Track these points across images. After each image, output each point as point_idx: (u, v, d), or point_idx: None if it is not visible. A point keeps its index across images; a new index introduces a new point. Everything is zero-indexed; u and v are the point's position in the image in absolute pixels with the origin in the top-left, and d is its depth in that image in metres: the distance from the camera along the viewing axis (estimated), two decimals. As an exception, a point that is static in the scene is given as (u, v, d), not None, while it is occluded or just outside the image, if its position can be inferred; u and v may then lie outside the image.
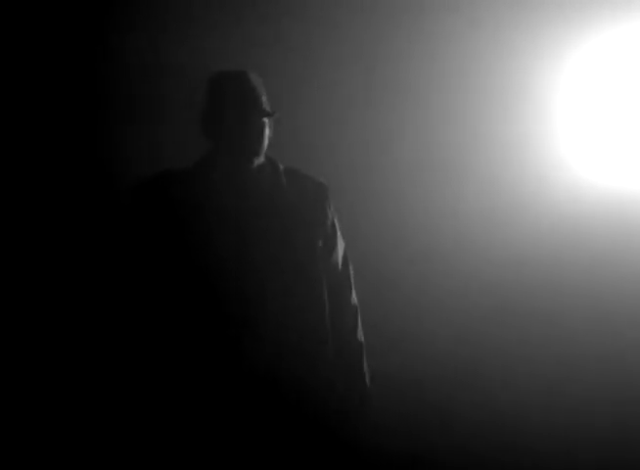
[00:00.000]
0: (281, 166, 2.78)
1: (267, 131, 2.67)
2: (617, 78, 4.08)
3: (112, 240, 2.87)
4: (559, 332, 4.18)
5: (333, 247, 2.82)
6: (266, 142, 2.68)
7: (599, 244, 4.16)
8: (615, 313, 4.14)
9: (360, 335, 2.82)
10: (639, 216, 4.17)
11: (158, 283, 2.66)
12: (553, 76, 4.16)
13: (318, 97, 4.06)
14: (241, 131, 2.62)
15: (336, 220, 2.85)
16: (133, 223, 2.71)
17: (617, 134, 4.11)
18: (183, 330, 2.63)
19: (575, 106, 4.14)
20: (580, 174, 4.17)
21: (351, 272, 2.87)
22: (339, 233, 2.86)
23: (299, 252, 2.66)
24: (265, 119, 2.65)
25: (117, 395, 2.82)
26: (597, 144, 4.14)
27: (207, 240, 2.61)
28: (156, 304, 2.66)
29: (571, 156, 4.18)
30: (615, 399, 4.10)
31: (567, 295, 4.15)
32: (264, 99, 2.67)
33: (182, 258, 2.63)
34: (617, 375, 4.12)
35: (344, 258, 2.88)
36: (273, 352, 2.60)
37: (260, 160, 2.71)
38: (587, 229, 4.15)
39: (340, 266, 2.84)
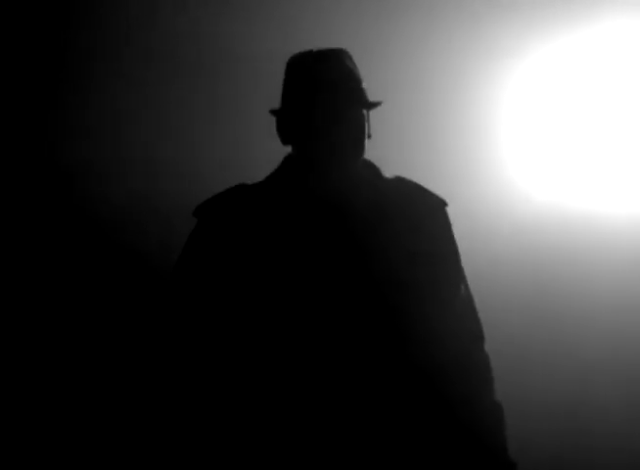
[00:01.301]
0: (385, 176, 2.06)
1: (367, 129, 2.01)
2: (562, 91, 3.92)
3: (164, 278, 2.14)
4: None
5: (455, 294, 2.03)
6: (366, 144, 2.01)
7: (542, 262, 4.01)
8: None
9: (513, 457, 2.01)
10: (584, 233, 4.00)
11: (217, 336, 2.00)
12: (496, 91, 3.91)
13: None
14: (333, 131, 1.94)
15: (459, 257, 2.09)
16: (191, 256, 2.04)
17: (562, 148, 3.93)
18: (245, 398, 1.98)
19: (519, 120, 3.95)
20: (524, 189, 3.98)
21: (484, 336, 2.07)
22: (464, 276, 2.08)
23: (412, 303, 1.93)
24: (365, 112, 1.99)
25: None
26: (542, 159, 3.96)
27: (283, 282, 1.92)
28: (211, 362, 2.00)
29: (515, 172, 3.95)
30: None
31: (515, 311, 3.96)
32: (364, 85, 2.01)
33: (249, 305, 1.97)
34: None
35: (472, 311, 2.07)
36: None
37: (358, 169, 2.02)
38: (529, 245, 4.00)
39: (467, 328, 2.03)
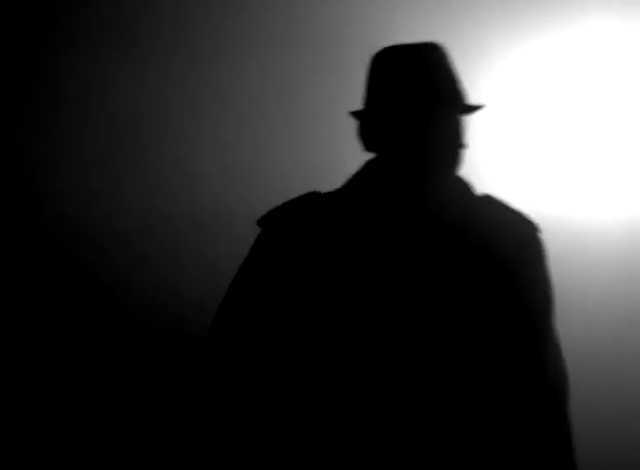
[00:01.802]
0: (476, 195, 1.76)
1: (464, 135, 1.73)
2: (539, 94, 3.82)
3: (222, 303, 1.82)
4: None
5: (541, 346, 1.70)
6: (463, 153, 1.72)
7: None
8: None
9: None
10: (562, 239, 3.92)
11: (278, 358, 1.73)
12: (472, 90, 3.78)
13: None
14: (426, 139, 1.67)
15: (552, 302, 1.74)
16: (256, 269, 1.75)
17: (539, 153, 3.83)
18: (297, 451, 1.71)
19: (495, 123, 3.82)
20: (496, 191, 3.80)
21: (569, 395, 1.74)
22: (554, 325, 1.74)
23: (486, 353, 1.64)
24: (461, 117, 1.72)
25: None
26: (517, 163, 3.84)
27: (353, 315, 1.64)
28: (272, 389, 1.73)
29: (491, 179, 3.80)
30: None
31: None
32: (460, 86, 1.74)
33: (316, 330, 1.70)
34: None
35: (559, 367, 1.74)
36: None
37: (449, 183, 1.72)
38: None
39: (552, 386, 1.70)
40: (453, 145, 1.69)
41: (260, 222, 1.76)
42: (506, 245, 1.69)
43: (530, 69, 3.78)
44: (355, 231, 1.70)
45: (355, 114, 1.76)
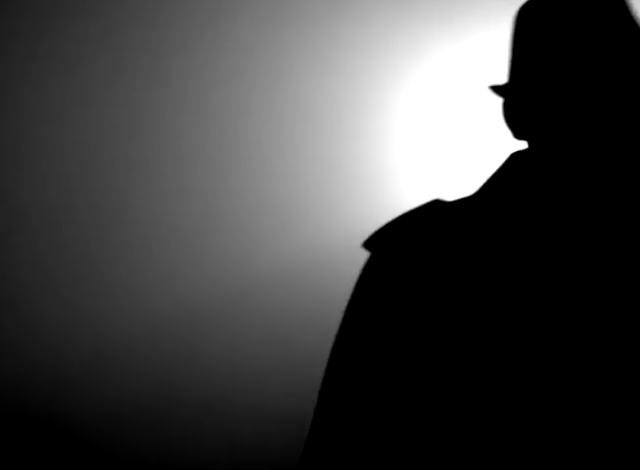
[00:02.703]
0: None
1: None
2: (459, 95, 3.53)
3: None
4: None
5: None
6: None
7: None
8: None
9: None
10: None
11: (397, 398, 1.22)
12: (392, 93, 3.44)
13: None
14: (599, 122, 1.18)
15: None
16: (369, 325, 1.22)
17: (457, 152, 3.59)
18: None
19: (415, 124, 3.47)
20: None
21: None
22: None
23: None
24: None
25: None
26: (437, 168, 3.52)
27: (498, 338, 1.19)
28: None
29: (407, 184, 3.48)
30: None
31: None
32: None
33: (445, 367, 1.21)
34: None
35: None
36: None
37: (626, 176, 1.22)
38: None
39: None
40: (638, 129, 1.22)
41: (370, 244, 1.25)
42: None
43: (451, 71, 3.50)
44: (501, 243, 1.22)
45: (499, 89, 1.28)
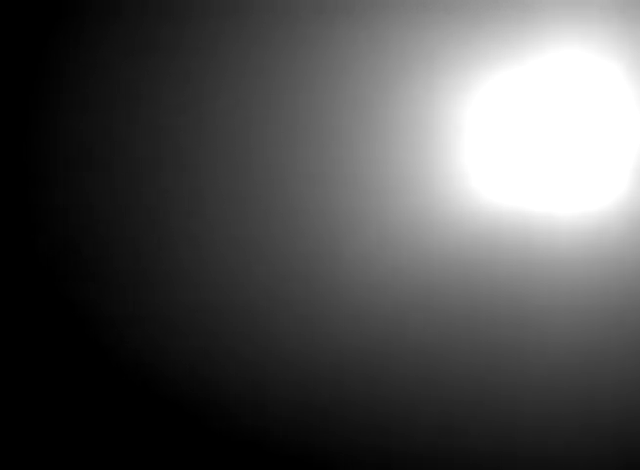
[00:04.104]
0: None
1: None
2: (527, 104, 4.35)
3: None
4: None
5: None
6: None
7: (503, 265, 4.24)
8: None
9: None
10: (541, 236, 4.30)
11: None
12: (463, 93, 4.23)
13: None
14: None
15: None
16: None
17: (520, 157, 4.36)
18: None
19: (485, 126, 4.32)
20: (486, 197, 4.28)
21: None
22: None
23: None
24: None
25: None
26: (501, 168, 4.32)
27: None
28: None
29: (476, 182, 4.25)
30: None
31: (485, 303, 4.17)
32: None
33: None
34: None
35: None
36: None
37: None
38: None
39: None
40: None
41: None
42: None
43: (513, 87, 4.32)
44: None
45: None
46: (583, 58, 4.31)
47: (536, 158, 4.32)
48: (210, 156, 4.00)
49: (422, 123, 4.20)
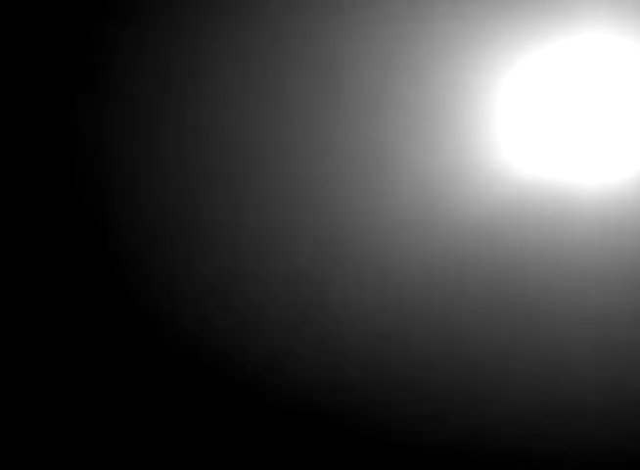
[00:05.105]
0: None
1: None
2: (560, 83, 4.52)
3: None
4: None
5: None
6: None
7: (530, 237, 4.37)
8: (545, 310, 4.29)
9: None
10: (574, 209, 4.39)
11: None
12: (496, 76, 4.42)
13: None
14: None
15: None
16: None
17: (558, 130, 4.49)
18: None
19: (517, 107, 4.48)
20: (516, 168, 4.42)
21: None
22: None
23: None
24: None
25: None
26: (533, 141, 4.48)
27: None
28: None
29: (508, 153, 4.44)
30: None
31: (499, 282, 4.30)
32: None
33: None
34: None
35: None
36: None
37: None
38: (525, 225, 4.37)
39: None
40: None
41: None
42: None
43: (544, 65, 4.53)
44: None
45: None
46: (612, 38, 4.45)
47: (565, 131, 4.48)
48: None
49: (456, 101, 4.40)
